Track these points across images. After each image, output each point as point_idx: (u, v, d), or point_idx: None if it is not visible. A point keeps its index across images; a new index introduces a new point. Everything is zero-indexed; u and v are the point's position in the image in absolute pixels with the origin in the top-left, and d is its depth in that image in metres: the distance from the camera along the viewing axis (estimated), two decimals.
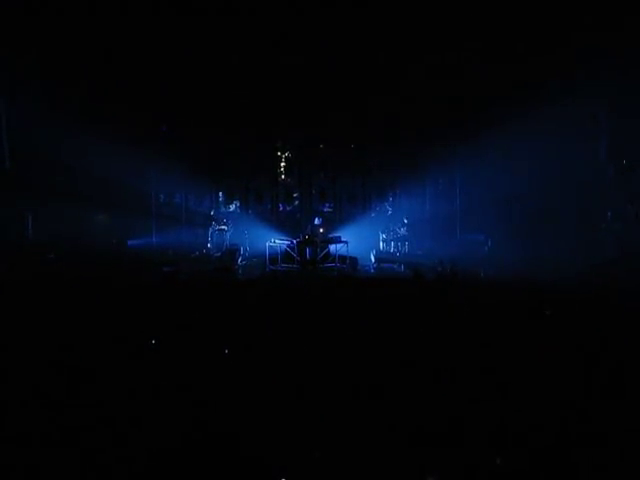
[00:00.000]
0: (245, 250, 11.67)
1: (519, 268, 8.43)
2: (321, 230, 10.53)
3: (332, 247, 10.13)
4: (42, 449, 2.66)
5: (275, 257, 10.02)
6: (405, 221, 12.03)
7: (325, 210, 12.65)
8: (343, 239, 10.06)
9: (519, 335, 4.65)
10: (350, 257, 9.96)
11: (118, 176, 10.96)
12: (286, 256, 9.99)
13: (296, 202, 12.78)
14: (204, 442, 2.73)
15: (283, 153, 12.78)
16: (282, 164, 12.78)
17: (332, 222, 11.83)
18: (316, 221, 10.68)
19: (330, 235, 10.57)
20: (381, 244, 11.94)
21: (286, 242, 10.16)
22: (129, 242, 11.50)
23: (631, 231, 8.94)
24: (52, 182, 9.94)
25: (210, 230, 12.14)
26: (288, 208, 12.75)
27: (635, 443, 2.62)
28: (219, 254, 11.43)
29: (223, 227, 12.12)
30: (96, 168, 10.52)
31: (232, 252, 11.08)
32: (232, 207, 12.60)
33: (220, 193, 12.77)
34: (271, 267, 9.83)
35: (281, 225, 11.97)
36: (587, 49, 8.74)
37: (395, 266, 10.35)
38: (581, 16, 8.69)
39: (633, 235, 8.82)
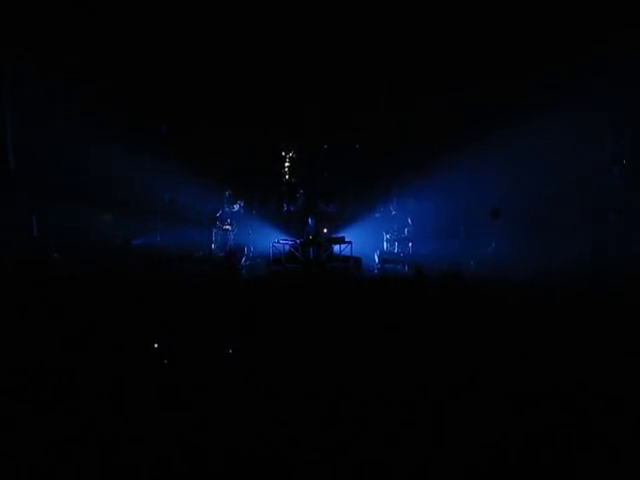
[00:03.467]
0: (249, 250, 11.66)
1: (525, 267, 8.39)
2: (325, 230, 10.51)
3: (336, 247, 10.13)
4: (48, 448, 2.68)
5: (279, 257, 10.02)
6: (409, 222, 11.99)
7: (329, 210, 12.61)
8: (347, 239, 10.05)
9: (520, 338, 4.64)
10: (354, 257, 9.95)
11: (122, 176, 10.94)
12: (290, 256, 9.99)
13: (300, 202, 12.74)
14: (209, 441, 2.73)
15: (287, 153, 12.75)
16: (286, 164, 12.75)
17: (334, 222, 11.77)
18: (309, 222, 10.64)
19: (334, 235, 10.56)
20: (385, 244, 11.92)
21: (290, 242, 10.16)
22: (133, 241, 11.48)
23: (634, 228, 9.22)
24: (56, 182, 9.94)
25: (214, 230, 12.12)
26: (292, 208, 12.72)
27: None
28: (223, 254, 11.43)
29: (227, 227, 12.10)
30: (101, 168, 10.51)
31: (236, 252, 11.07)
32: (236, 207, 12.56)
33: (225, 193, 12.72)
34: (275, 267, 9.83)
35: (285, 225, 11.94)
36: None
37: (399, 267, 10.32)
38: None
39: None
